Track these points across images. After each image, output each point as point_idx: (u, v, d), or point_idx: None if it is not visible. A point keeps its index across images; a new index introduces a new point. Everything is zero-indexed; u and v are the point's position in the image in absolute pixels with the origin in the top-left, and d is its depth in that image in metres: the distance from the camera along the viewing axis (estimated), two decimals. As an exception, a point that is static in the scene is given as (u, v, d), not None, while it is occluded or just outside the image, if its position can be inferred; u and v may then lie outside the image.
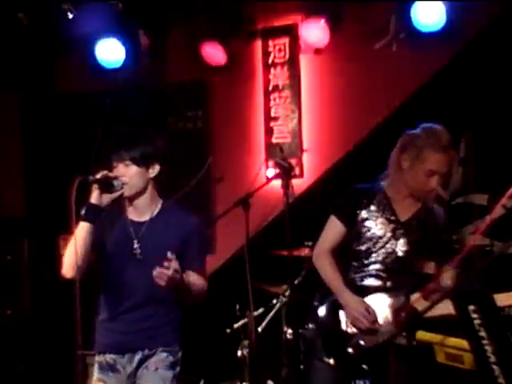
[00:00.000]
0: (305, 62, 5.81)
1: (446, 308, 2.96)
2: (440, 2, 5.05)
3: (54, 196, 6.29)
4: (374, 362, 3.13)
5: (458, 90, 5.15)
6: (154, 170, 3.16)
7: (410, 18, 5.16)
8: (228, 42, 5.77)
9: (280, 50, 5.84)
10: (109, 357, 3.19)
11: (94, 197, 3.02)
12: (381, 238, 3.23)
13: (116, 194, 3.06)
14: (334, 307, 3.26)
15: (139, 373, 3.19)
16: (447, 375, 3.58)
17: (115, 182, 3.04)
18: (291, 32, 5.72)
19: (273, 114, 5.87)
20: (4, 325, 5.88)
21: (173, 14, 5.91)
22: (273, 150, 5.73)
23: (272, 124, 5.87)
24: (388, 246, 3.24)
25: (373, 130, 5.51)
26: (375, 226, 3.24)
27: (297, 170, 5.56)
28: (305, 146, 5.73)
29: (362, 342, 3.15)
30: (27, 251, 6.03)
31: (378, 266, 3.24)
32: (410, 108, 5.38)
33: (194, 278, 3.16)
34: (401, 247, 3.24)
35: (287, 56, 5.82)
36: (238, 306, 4.45)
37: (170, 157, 6.29)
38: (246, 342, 4.40)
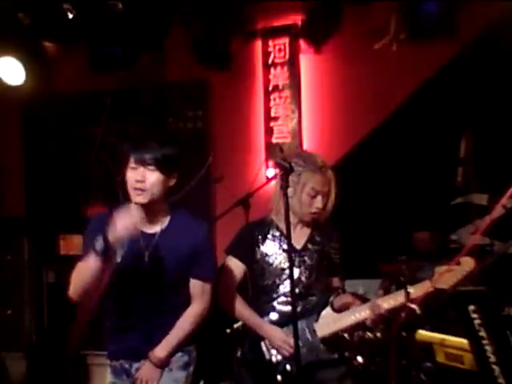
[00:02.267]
0: (305, 62, 5.81)
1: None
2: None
3: (53, 196, 6.31)
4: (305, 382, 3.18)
5: (458, 90, 5.15)
6: (174, 178, 3.00)
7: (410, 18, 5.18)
8: (228, 42, 5.77)
9: (280, 49, 5.84)
10: (124, 362, 3.13)
11: (114, 236, 2.75)
12: (283, 270, 3.31)
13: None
14: (254, 341, 3.33)
15: None
16: (447, 375, 3.58)
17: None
18: (291, 32, 5.73)
19: (273, 114, 5.88)
20: (4, 325, 5.88)
21: (173, 14, 5.90)
22: (273, 150, 5.73)
23: (272, 124, 5.88)
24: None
25: (372, 130, 5.51)
26: (276, 259, 3.33)
27: (297, 170, 5.56)
28: (305, 146, 5.73)
29: (288, 367, 3.22)
30: (27, 251, 6.03)
31: (287, 296, 3.29)
32: (410, 108, 5.38)
33: (182, 324, 3.07)
34: (304, 274, 3.32)
35: (287, 56, 5.82)
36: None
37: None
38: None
